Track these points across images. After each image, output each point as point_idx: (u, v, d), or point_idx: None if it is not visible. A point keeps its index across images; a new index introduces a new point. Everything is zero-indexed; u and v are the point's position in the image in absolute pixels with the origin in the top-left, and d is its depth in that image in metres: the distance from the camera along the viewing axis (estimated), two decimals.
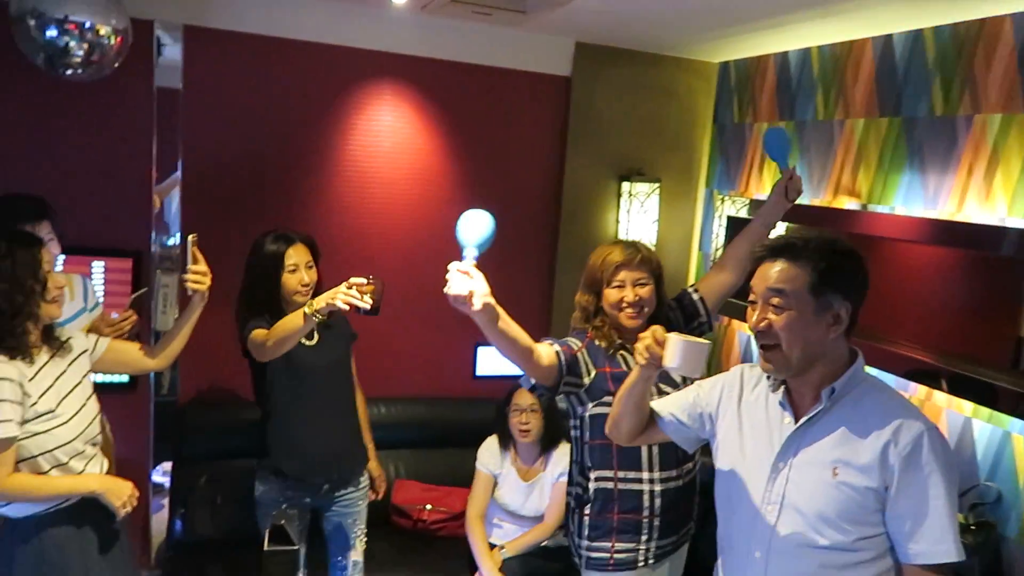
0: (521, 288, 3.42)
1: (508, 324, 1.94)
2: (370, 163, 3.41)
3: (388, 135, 3.41)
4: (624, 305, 2.15)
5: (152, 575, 3.29)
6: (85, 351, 2.11)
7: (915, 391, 2.59)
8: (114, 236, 3.05)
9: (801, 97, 3.15)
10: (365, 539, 2.70)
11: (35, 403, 1.91)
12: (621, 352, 2.18)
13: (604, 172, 3.65)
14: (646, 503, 2.15)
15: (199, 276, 2.25)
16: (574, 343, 2.17)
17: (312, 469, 2.55)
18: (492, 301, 1.82)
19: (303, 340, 2.44)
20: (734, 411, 1.73)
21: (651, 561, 2.18)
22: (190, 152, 3.19)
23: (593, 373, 2.14)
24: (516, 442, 2.98)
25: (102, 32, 2.52)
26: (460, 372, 3.70)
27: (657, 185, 3.61)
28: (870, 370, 1.72)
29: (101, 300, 2.78)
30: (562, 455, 2.90)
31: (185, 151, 3.19)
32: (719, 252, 3.60)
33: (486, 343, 3.52)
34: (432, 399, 3.58)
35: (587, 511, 2.19)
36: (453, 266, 1.80)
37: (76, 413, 2.01)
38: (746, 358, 3.45)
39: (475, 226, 1.86)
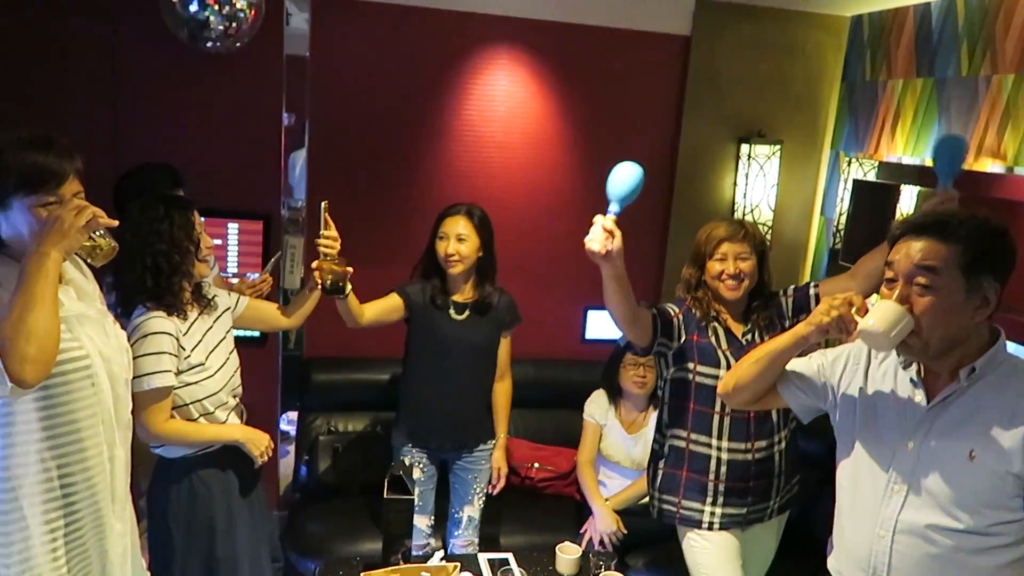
0: (633, 253, 3.36)
1: (626, 284, 2.06)
2: (486, 127, 3.45)
3: (503, 99, 3.43)
4: (724, 276, 2.22)
5: (279, 516, 3.54)
6: (228, 308, 2.28)
7: None
8: (246, 200, 3.24)
9: (942, 51, 2.93)
10: (484, 498, 2.80)
11: (188, 356, 2.08)
12: (714, 324, 2.27)
13: (722, 134, 3.54)
14: (712, 468, 2.25)
15: (330, 241, 2.36)
16: (672, 308, 2.29)
17: (430, 434, 2.71)
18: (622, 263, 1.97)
19: (451, 314, 2.61)
20: (859, 385, 1.65)
21: (716, 525, 2.27)
22: (316, 118, 3.33)
23: (683, 339, 2.26)
24: (623, 396, 3.06)
25: (239, 5, 2.66)
26: (570, 335, 3.73)
27: (778, 147, 3.47)
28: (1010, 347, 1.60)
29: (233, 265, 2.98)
30: None
31: (311, 117, 3.34)
32: (842, 218, 3.44)
33: (596, 307, 3.61)
34: (542, 360, 3.63)
35: (661, 465, 2.35)
36: (598, 219, 1.91)
37: (222, 366, 2.18)
38: None
39: (624, 178, 1.95)
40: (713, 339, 2.25)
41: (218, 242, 3.17)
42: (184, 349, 2.07)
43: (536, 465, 3.32)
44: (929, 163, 2.95)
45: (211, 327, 2.18)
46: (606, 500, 2.95)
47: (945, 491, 1.46)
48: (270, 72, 3.19)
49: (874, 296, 1.59)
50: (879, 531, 1.54)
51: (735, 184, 3.56)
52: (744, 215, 3.52)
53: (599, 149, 3.51)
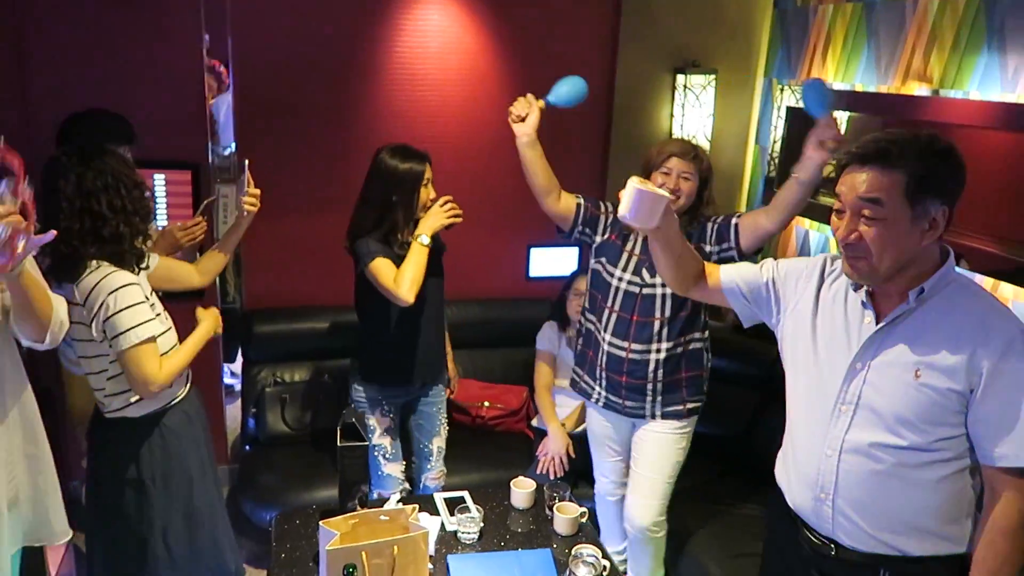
0: (572, 187, 3.39)
1: (542, 158, 2.43)
2: (420, 65, 3.35)
3: (436, 35, 3.33)
4: (664, 189, 2.23)
5: (230, 469, 3.51)
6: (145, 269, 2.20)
7: (995, 287, 2.52)
8: (173, 149, 3.09)
9: None
10: (447, 427, 2.84)
11: (154, 306, 2.05)
12: (637, 232, 2.40)
13: (658, 65, 3.52)
14: (600, 354, 2.51)
15: (253, 199, 2.40)
16: (603, 205, 2.55)
17: (407, 377, 2.67)
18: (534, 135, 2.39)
19: (399, 254, 2.50)
20: (809, 305, 1.67)
21: (600, 404, 2.57)
22: (239, 59, 3.18)
23: (606, 236, 2.51)
24: (571, 325, 3.13)
25: None
26: (514, 273, 3.73)
27: (713, 77, 3.48)
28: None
29: (162, 217, 2.87)
30: None
31: (235, 59, 3.18)
32: (777, 145, 3.49)
33: (539, 244, 3.62)
34: (487, 300, 3.64)
35: (579, 342, 2.65)
36: (530, 97, 2.40)
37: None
38: (803, 254, 3.39)
39: (567, 85, 2.43)
40: (630, 243, 2.45)
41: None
42: (147, 298, 2.02)
43: (487, 404, 3.36)
44: (860, 87, 3.00)
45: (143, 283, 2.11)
46: (564, 419, 3.05)
47: (891, 410, 1.51)
48: (186, 8, 3.01)
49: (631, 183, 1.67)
50: (826, 451, 1.59)
51: (671, 115, 3.57)
52: None
53: (536, 84, 3.40)
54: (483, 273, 3.67)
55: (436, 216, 2.50)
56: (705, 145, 3.57)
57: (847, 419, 1.57)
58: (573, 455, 2.95)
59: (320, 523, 1.77)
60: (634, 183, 1.62)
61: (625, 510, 2.63)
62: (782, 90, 3.46)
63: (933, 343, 1.48)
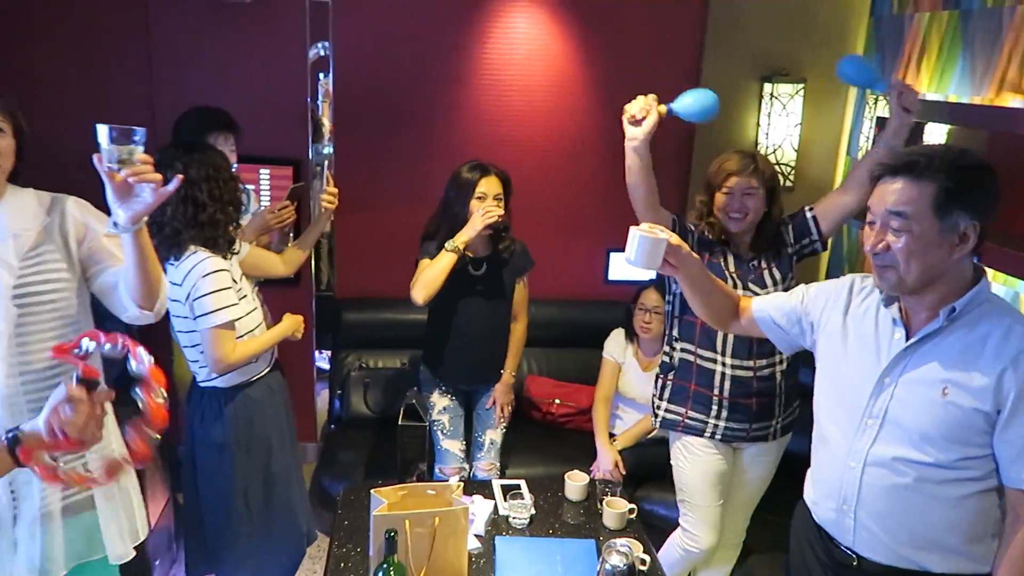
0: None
1: (650, 166, 2.24)
2: (506, 72, 3.49)
3: (524, 42, 3.46)
4: (729, 210, 2.30)
5: (317, 447, 3.76)
6: (238, 254, 2.43)
7: None
8: (276, 146, 3.37)
9: None
10: (506, 426, 2.96)
11: (240, 290, 2.26)
12: (723, 247, 2.37)
13: (745, 73, 3.51)
14: (717, 382, 2.37)
15: (331, 197, 2.62)
16: (692, 224, 2.42)
17: (453, 375, 2.89)
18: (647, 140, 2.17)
19: (470, 270, 2.72)
20: (839, 321, 1.70)
21: (718, 437, 2.39)
22: (340, 63, 3.42)
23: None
24: (639, 336, 3.12)
25: None
26: (592, 276, 3.81)
27: (802, 86, 3.43)
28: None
29: (261, 207, 3.12)
30: None
31: (335, 62, 3.43)
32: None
33: (618, 249, 3.67)
34: (564, 301, 3.73)
35: (670, 377, 2.48)
36: (651, 99, 2.14)
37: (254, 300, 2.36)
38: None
39: (697, 98, 2.16)
40: (721, 260, 2.36)
41: (251, 187, 3.31)
42: (236, 282, 2.23)
43: (557, 401, 3.45)
44: (954, 98, 2.90)
45: (233, 267, 2.34)
46: (620, 434, 3.08)
47: (916, 426, 1.51)
48: (294, 18, 3.27)
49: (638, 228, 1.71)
50: (850, 462, 1.60)
51: (758, 124, 3.55)
52: (766, 155, 3.50)
53: (620, 90, 3.47)
54: (562, 274, 3.76)
55: (470, 225, 2.60)
56: (791, 155, 3.53)
57: (873, 432, 1.57)
58: (623, 471, 2.96)
59: (372, 491, 1.92)
60: (634, 230, 1.71)
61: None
62: (876, 100, 3.38)
63: (962, 362, 1.47)
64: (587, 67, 3.51)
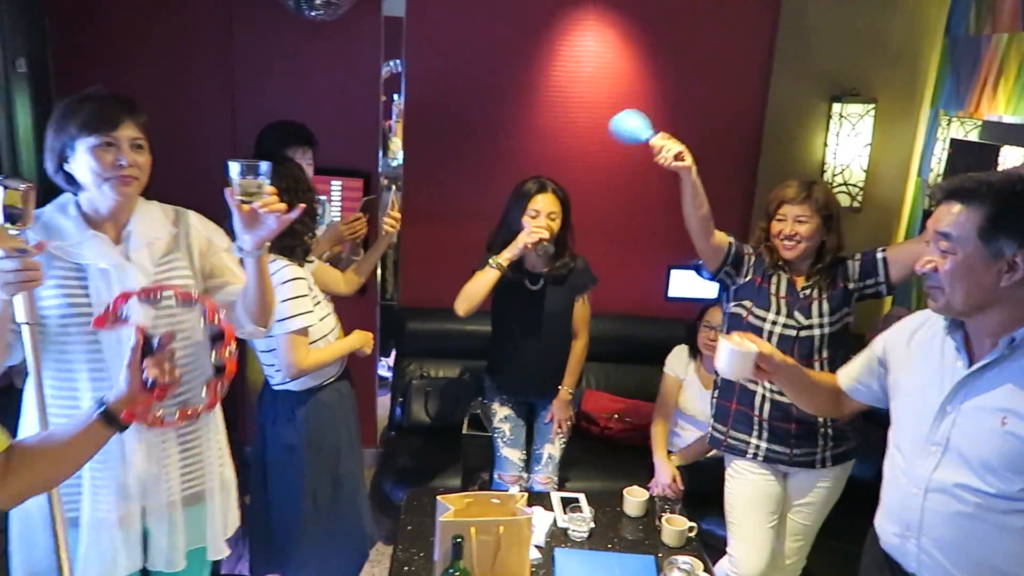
0: (714, 216, 3.42)
1: (701, 195, 2.29)
2: (573, 88, 3.55)
3: (590, 60, 3.51)
4: (781, 236, 2.34)
5: (376, 452, 3.84)
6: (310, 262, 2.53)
7: None
8: (348, 158, 3.48)
9: None
10: (565, 441, 2.98)
11: (315, 297, 2.35)
12: (779, 273, 2.39)
13: (813, 92, 3.49)
14: (757, 403, 2.40)
15: (393, 221, 2.70)
16: (750, 248, 2.47)
17: (511, 386, 2.96)
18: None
19: (527, 285, 2.78)
20: (903, 350, 1.70)
21: (760, 458, 2.41)
22: (411, 78, 3.52)
23: (748, 277, 2.43)
24: (703, 354, 3.11)
25: None
26: (653, 292, 3.81)
27: (873, 106, 3.39)
28: None
29: (335, 218, 3.23)
30: None
31: (407, 78, 3.53)
32: (939, 179, 3.34)
33: (679, 266, 3.67)
34: (625, 316, 3.75)
35: (715, 395, 2.55)
36: (664, 140, 2.24)
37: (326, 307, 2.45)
38: None
39: (631, 122, 2.31)
40: (773, 286, 2.39)
41: (324, 198, 3.43)
42: (311, 290, 2.33)
43: (615, 416, 3.46)
44: None
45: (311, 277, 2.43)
46: (678, 451, 3.07)
47: (976, 454, 1.49)
48: (369, 35, 3.39)
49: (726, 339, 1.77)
50: (913, 488, 1.59)
51: (825, 144, 3.52)
52: (833, 176, 3.48)
53: (685, 108, 3.53)
54: (623, 290, 3.77)
55: (514, 243, 2.64)
56: (860, 175, 3.49)
57: (935, 459, 1.56)
58: (681, 486, 2.95)
59: (438, 497, 1.97)
60: (724, 342, 1.77)
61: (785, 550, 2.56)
62: (949, 122, 3.32)
63: (1021, 392, 1.46)
64: (653, 85, 3.54)
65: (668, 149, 2.20)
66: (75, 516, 1.72)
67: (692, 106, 3.53)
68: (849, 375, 1.89)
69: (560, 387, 2.94)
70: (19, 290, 1.48)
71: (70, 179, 1.69)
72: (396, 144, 4.85)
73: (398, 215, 2.74)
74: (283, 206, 1.65)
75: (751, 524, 2.44)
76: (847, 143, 3.42)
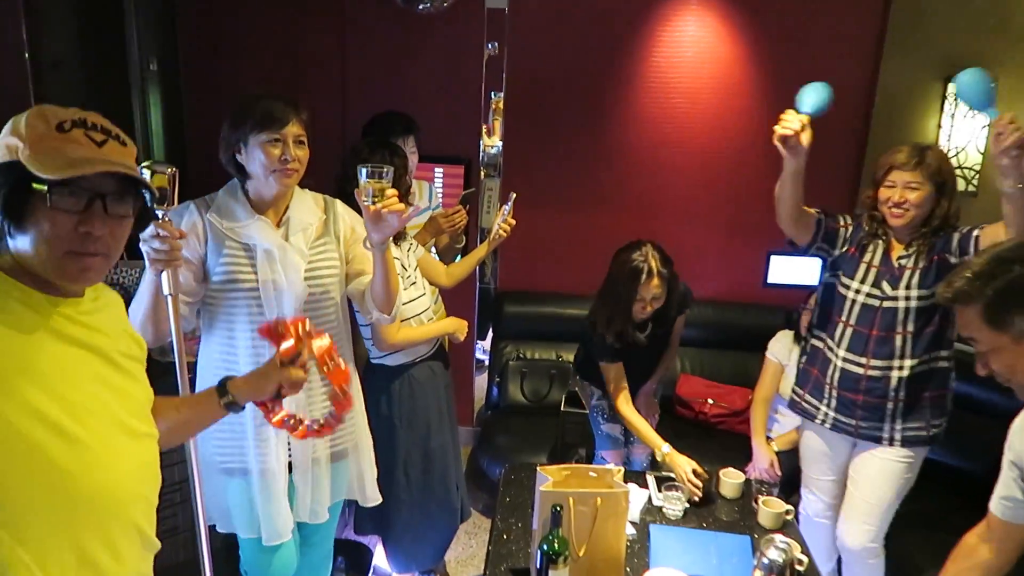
0: (818, 201, 3.30)
1: (800, 185, 2.25)
2: (673, 73, 3.54)
3: (691, 44, 3.49)
4: (890, 203, 2.27)
5: (474, 431, 3.97)
6: (412, 247, 2.63)
7: None
8: (450, 146, 3.60)
9: None
10: (656, 418, 2.97)
11: (409, 277, 2.47)
12: (877, 241, 2.34)
13: (927, 73, 3.37)
14: (829, 372, 2.42)
15: (507, 227, 2.76)
16: (844, 219, 2.43)
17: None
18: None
19: (636, 336, 2.62)
20: None
21: (827, 425, 2.45)
22: (513, 67, 3.60)
23: (844, 249, 2.40)
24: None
25: None
26: (752, 278, 3.77)
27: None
28: None
29: (440, 200, 3.34)
30: None
31: (509, 66, 3.61)
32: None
33: (779, 252, 3.62)
34: (723, 302, 3.73)
35: (803, 360, 2.58)
36: (790, 114, 2.13)
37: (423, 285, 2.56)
38: None
39: (813, 93, 2.15)
40: (869, 254, 2.35)
41: (429, 184, 3.55)
42: (405, 269, 2.44)
43: (710, 401, 3.46)
44: None
45: (407, 256, 2.54)
46: (777, 436, 3.05)
47: None
48: (473, 26, 3.49)
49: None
50: None
51: (939, 126, 3.38)
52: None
53: (790, 91, 3.44)
54: (721, 275, 3.76)
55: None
56: (977, 158, 3.34)
57: None
58: (779, 472, 2.92)
59: (538, 468, 2.04)
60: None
61: (838, 531, 2.55)
62: None
63: None
64: (755, 68, 3.49)
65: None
66: (243, 467, 1.95)
67: (796, 89, 3.44)
68: (995, 500, 1.69)
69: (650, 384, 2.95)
70: (164, 267, 1.66)
71: (240, 168, 1.90)
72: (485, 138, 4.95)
73: (513, 222, 2.77)
74: (402, 207, 1.80)
75: (815, 472, 2.57)
76: (962, 125, 3.28)
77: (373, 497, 2.22)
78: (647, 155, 3.59)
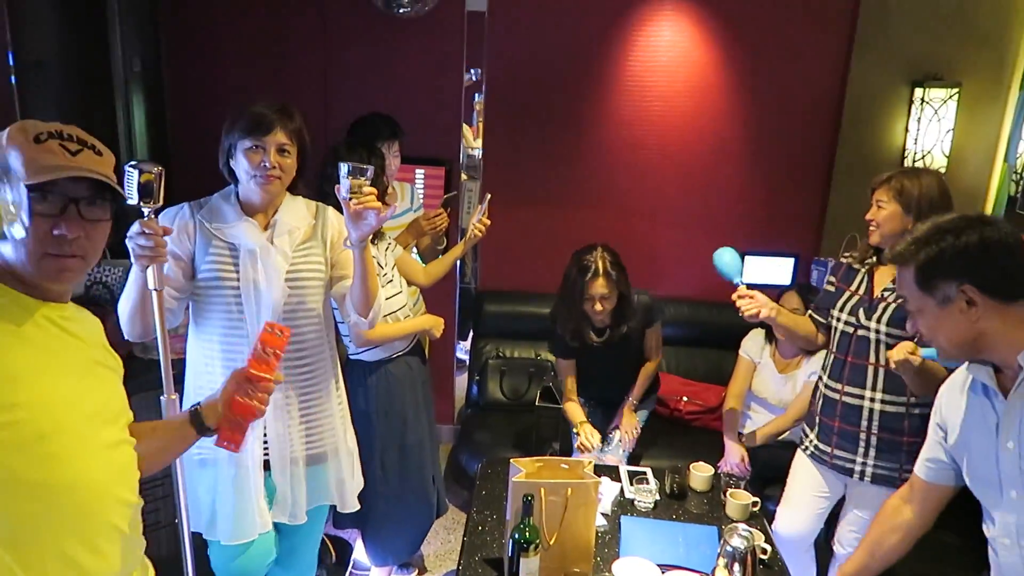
0: (790, 208, 3.39)
1: (794, 326, 2.50)
2: (648, 77, 3.61)
3: (666, 49, 3.57)
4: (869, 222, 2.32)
5: (454, 428, 4.02)
6: (390, 246, 2.69)
7: None
8: (431, 148, 3.65)
9: None
10: (628, 451, 3.03)
11: (386, 275, 2.53)
12: (863, 270, 2.37)
13: (894, 77, 3.45)
14: (865, 418, 2.32)
15: (482, 227, 2.84)
16: (832, 279, 2.50)
17: (586, 395, 3.06)
18: (775, 306, 2.43)
19: (593, 339, 2.85)
20: (955, 423, 1.64)
21: (867, 479, 2.34)
22: (491, 70, 3.66)
23: (833, 288, 2.45)
24: (778, 338, 3.15)
25: None
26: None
27: (956, 90, 3.33)
28: None
29: (422, 202, 3.40)
30: (819, 358, 2.99)
31: (488, 69, 3.67)
32: None
33: (753, 253, 3.70)
34: (697, 301, 3.79)
35: (818, 411, 2.49)
36: (736, 297, 2.42)
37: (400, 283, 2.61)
38: None
39: (729, 259, 2.44)
40: (855, 283, 2.37)
41: (411, 185, 3.61)
42: (381, 267, 2.50)
43: (685, 399, 3.53)
44: None
45: (384, 255, 2.60)
46: (751, 432, 3.11)
47: None
48: (453, 30, 3.54)
49: None
50: (1005, 539, 1.53)
51: (906, 130, 3.47)
52: (914, 162, 3.43)
53: (762, 95, 3.55)
54: (696, 275, 3.82)
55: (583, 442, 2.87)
56: (942, 161, 3.43)
57: (1021, 503, 1.48)
58: (748, 467, 3.00)
59: (511, 461, 2.10)
60: None
61: (837, 533, 2.54)
62: None
63: None
64: (729, 72, 3.57)
65: (744, 309, 2.37)
66: (215, 457, 1.99)
67: (768, 93, 3.54)
68: (926, 468, 1.76)
69: (628, 398, 3.05)
70: (149, 263, 1.71)
71: (232, 173, 1.98)
72: (469, 138, 5.00)
73: (488, 222, 2.86)
74: (378, 204, 1.86)
75: (799, 488, 2.54)
76: (929, 129, 3.37)
77: (352, 504, 2.25)
78: (624, 157, 3.66)
